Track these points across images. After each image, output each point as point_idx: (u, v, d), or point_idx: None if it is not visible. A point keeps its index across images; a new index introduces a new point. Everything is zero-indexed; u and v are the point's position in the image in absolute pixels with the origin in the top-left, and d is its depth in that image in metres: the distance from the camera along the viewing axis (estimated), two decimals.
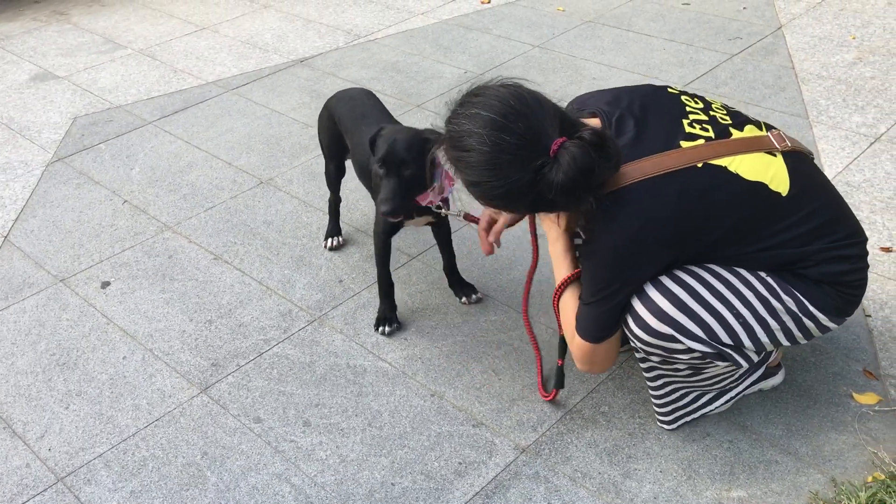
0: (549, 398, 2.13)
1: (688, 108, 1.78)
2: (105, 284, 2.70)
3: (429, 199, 2.14)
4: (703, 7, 4.52)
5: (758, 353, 1.84)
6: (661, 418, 2.05)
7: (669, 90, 1.84)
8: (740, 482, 1.92)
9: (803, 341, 1.86)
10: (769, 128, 1.83)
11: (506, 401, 2.18)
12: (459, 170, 1.65)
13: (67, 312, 2.59)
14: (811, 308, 1.79)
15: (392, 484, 1.97)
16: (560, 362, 2.10)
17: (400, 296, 2.57)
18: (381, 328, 2.41)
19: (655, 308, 1.75)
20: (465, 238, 2.77)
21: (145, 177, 3.30)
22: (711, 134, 1.73)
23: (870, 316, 2.35)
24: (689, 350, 1.78)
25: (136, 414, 2.21)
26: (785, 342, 1.84)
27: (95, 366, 2.38)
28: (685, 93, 1.85)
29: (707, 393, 2.02)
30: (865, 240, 1.84)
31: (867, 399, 2.10)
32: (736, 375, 1.97)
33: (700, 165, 1.67)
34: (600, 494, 1.92)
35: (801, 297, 1.79)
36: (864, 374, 2.18)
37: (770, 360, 2.09)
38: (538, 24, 4.46)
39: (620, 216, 1.67)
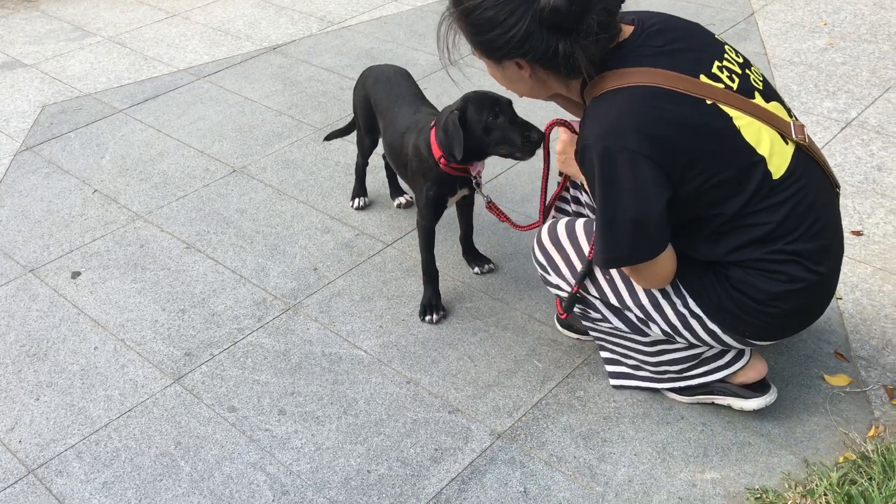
0: (564, 316, 2.10)
1: (726, 55, 1.73)
2: (75, 274, 2.67)
3: (477, 168, 2.27)
4: None
5: (649, 321, 1.89)
6: (605, 367, 2.14)
7: (718, 36, 1.79)
8: (714, 464, 1.94)
9: (720, 345, 1.90)
10: (797, 120, 1.79)
11: (481, 387, 2.18)
12: (456, 3, 1.65)
13: (37, 303, 2.56)
14: (710, 324, 1.83)
15: (368, 471, 1.97)
16: (575, 289, 1.96)
17: (374, 283, 2.56)
18: (427, 316, 2.39)
19: (539, 239, 2.00)
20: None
21: (116, 165, 3.25)
22: (734, 86, 1.69)
23: (841, 298, 2.38)
24: (560, 287, 1.98)
25: (108, 405, 2.19)
26: (688, 336, 1.88)
27: (66, 357, 2.35)
28: (731, 45, 1.80)
29: (646, 373, 2.07)
30: (817, 273, 1.74)
31: (838, 381, 2.12)
32: (673, 362, 2.00)
33: (708, 102, 1.63)
34: (576, 478, 1.92)
35: (698, 310, 1.82)
36: (836, 357, 2.20)
37: (743, 373, 1.99)
38: None
39: (616, 112, 1.62)
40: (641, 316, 1.89)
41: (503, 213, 2.30)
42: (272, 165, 3.20)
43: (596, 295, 1.92)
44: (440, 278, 2.44)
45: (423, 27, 4.31)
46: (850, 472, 1.85)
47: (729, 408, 2.05)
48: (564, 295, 1.98)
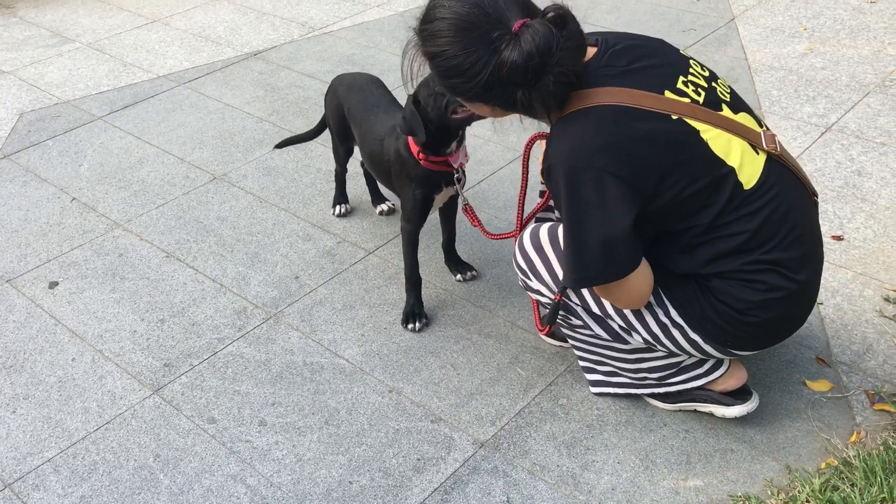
0: (544, 332, 2.08)
1: (691, 70, 1.75)
2: (53, 284, 2.63)
3: (458, 160, 2.25)
4: None
5: (628, 329, 1.89)
6: (585, 375, 2.13)
7: (682, 51, 1.81)
8: (697, 471, 1.93)
9: (700, 355, 1.90)
10: (768, 130, 1.80)
11: (464, 395, 2.17)
12: (422, 42, 1.68)
13: (14, 314, 2.52)
14: (691, 334, 1.83)
15: (350, 482, 1.95)
16: (558, 298, 1.93)
17: (356, 291, 2.54)
18: (410, 324, 2.38)
19: (521, 243, 1.97)
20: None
21: (94, 173, 3.22)
22: (700, 99, 1.70)
23: (821, 304, 2.38)
24: (541, 292, 1.96)
25: (85, 417, 2.16)
26: (669, 345, 1.88)
27: (43, 368, 2.31)
28: (696, 60, 1.81)
29: (626, 379, 2.06)
30: (796, 281, 1.74)
31: (820, 386, 2.13)
32: (647, 366, 1.99)
33: (674, 117, 1.65)
34: (559, 487, 1.91)
35: (680, 320, 1.82)
36: (817, 362, 2.20)
37: (723, 381, 1.99)
38: None
39: (579, 133, 1.64)
40: (623, 325, 1.88)
41: (477, 218, 2.30)
42: (253, 173, 3.17)
43: (578, 302, 1.91)
44: (422, 286, 2.43)
45: (404, 33, 4.27)
46: (832, 478, 1.86)
47: (711, 414, 2.04)
48: (545, 300, 1.97)
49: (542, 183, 2.20)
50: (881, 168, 2.98)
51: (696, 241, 1.72)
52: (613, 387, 2.09)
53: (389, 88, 2.64)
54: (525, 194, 2.14)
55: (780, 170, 1.76)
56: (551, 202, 2.21)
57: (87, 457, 2.05)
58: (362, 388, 2.20)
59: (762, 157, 1.73)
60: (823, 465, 1.91)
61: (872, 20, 4.13)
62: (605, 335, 1.94)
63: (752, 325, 1.78)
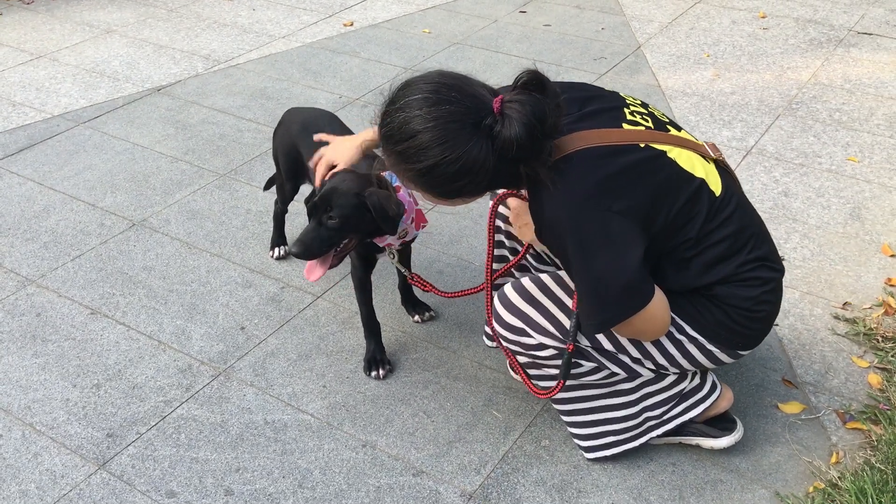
0: (552, 393, 1.89)
1: (628, 101, 1.78)
2: None
3: (387, 240, 2.12)
4: (563, 28, 4.61)
5: (635, 362, 1.85)
6: (579, 443, 2.01)
7: (606, 89, 1.82)
8: None
9: (707, 367, 1.88)
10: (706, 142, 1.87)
11: (442, 444, 2.07)
12: (407, 162, 1.57)
13: None
14: (708, 345, 1.82)
15: None
16: (570, 347, 1.82)
17: (310, 339, 2.40)
18: (374, 372, 2.25)
19: (506, 301, 1.84)
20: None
21: None
22: (651, 124, 1.74)
23: (777, 325, 2.43)
24: (543, 346, 1.83)
25: (24, 502, 1.92)
26: (684, 364, 1.85)
27: None
28: (623, 93, 1.83)
29: (625, 431, 1.99)
30: (780, 270, 1.82)
31: (791, 408, 2.15)
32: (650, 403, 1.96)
33: (642, 146, 1.67)
34: None
35: (695, 334, 1.80)
36: (784, 384, 2.23)
37: (716, 404, 1.99)
38: (406, 47, 4.39)
39: (568, 182, 1.61)
40: (637, 355, 1.84)
41: (428, 283, 2.21)
42: (176, 217, 2.97)
43: (589, 344, 1.85)
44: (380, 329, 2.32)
45: (315, 65, 4.18)
46: (824, 502, 1.87)
47: (692, 446, 2.03)
48: (547, 353, 1.85)
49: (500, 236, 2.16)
50: (805, 188, 3.09)
51: (689, 254, 1.73)
52: (612, 448, 2.00)
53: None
54: (493, 251, 2.06)
55: (728, 175, 1.83)
56: (523, 261, 2.15)
57: None
58: (333, 445, 2.06)
59: (713, 167, 1.79)
60: (811, 489, 1.93)
61: (768, 46, 4.33)
62: (621, 373, 1.88)
63: (760, 320, 1.81)
